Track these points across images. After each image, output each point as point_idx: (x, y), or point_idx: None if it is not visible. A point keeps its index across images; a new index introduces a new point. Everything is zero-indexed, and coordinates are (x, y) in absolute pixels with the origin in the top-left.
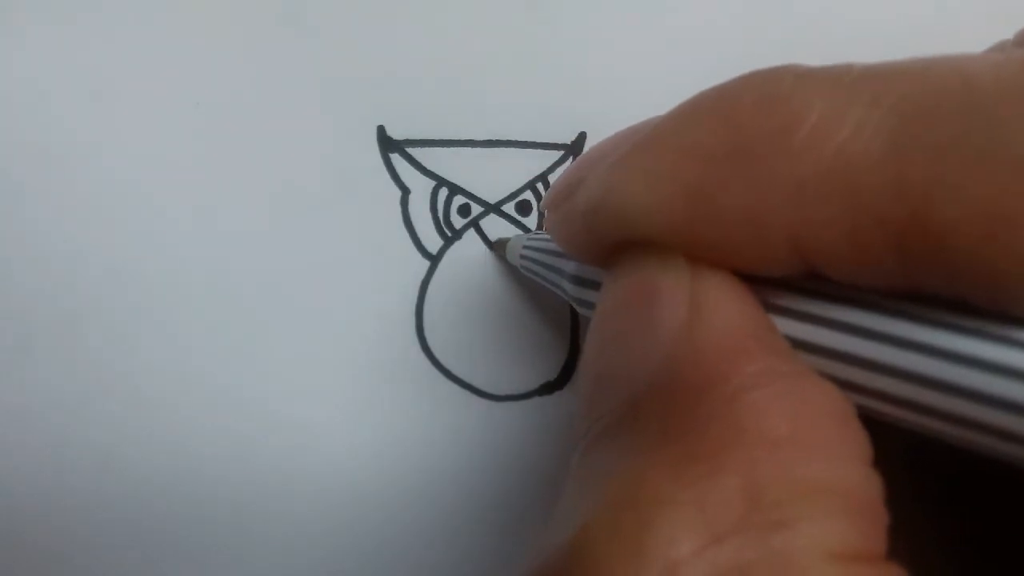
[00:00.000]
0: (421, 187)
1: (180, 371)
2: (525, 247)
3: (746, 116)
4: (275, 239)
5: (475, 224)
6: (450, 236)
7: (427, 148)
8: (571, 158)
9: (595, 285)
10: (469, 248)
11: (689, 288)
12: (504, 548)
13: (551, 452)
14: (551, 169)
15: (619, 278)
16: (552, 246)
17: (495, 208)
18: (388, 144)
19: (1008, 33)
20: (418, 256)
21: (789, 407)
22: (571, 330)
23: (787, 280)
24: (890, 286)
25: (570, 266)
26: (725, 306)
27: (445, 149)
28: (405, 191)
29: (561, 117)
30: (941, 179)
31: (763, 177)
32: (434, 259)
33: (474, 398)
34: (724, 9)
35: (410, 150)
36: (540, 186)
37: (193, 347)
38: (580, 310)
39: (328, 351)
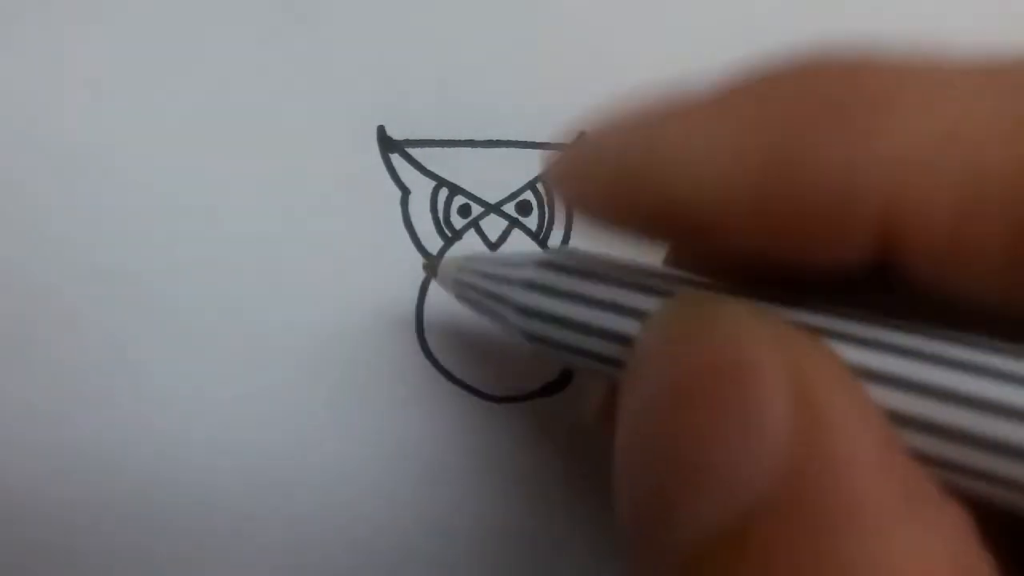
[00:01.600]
0: (421, 187)
1: (180, 370)
2: (461, 271)
3: (847, 73)
4: (275, 239)
5: (475, 224)
6: (450, 236)
7: (427, 148)
8: None
9: (546, 317)
10: (469, 249)
11: (791, 365)
12: (504, 549)
13: (551, 453)
14: None
15: (686, 335)
16: (495, 271)
17: (495, 208)
18: (388, 144)
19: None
20: (418, 256)
21: (935, 546)
22: None
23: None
24: (979, 291)
25: (517, 294)
26: (843, 403)
27: (445, 149)
28: (405, 191)
29: (561, 117)
30: None
31: (861, 143)
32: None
33: (474, 399)
34: (725, 9)
35: (410, 150)
36: (540, 186)
37: (192, 346)
38: (530, 344)
39: (328, 351)
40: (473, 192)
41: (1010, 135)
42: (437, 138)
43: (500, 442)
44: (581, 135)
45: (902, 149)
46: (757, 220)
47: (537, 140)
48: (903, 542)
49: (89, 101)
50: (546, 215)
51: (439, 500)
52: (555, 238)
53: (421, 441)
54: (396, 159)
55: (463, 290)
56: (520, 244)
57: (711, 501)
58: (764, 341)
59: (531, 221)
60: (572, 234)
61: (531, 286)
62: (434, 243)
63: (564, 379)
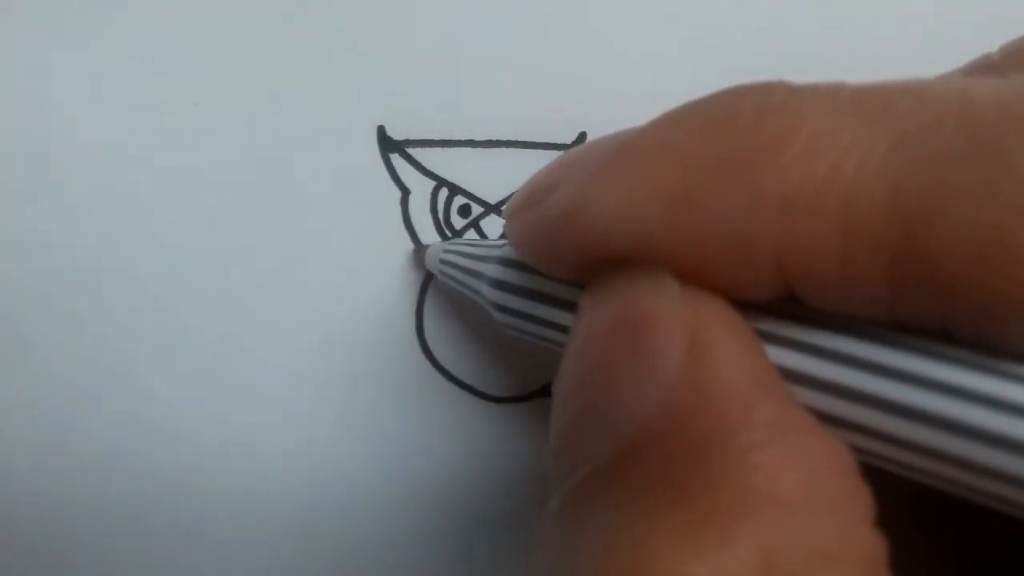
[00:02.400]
0: (421, 187)
1: (179, 371)
2: (446, 251)
3: (737, 126)
4: (275, 239)
5: (475, 224)
6: (450, 236)
7: (427, 148)
8: None
9: (516, 290)
10: None
11: (686, 318)
12: (504, 549)
13: None
14: None
15: (604, 300)
16: (473, 251)
17: (495, 208)
18: (388, 144)
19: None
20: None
21: (802, 467)
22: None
23: (767, 304)
24: (873, 313)
25: (489, 269)
26: (727, 342)
27: (445, 149)
28: (405, 191)
29: (561, 117)
30: (938, 201)
31: (752, 190)
32: None
33: (474, 399)
34: (724, 9)
35: (410, 150)
36: None
37: (192, 346)
38: (499, 317)
39: (328, 351)
40: (473, 192)
41: (876, 181)
42: (437, 138)
43: (500, 442)
44: (581, 135)
45: (788, 199)
46: (669, 264)
47: (537, 140)
48: (762, 465)
49: (88, 101)
50: None
51: (439, 499)
52: None
53: (420, 441)
54: (396, 159)
55: (446, 269)
56: None
57: (607, 431)
58: (665, 296)
59: None
60: None
61: (504, 262)
62: (465, 238)
63: None
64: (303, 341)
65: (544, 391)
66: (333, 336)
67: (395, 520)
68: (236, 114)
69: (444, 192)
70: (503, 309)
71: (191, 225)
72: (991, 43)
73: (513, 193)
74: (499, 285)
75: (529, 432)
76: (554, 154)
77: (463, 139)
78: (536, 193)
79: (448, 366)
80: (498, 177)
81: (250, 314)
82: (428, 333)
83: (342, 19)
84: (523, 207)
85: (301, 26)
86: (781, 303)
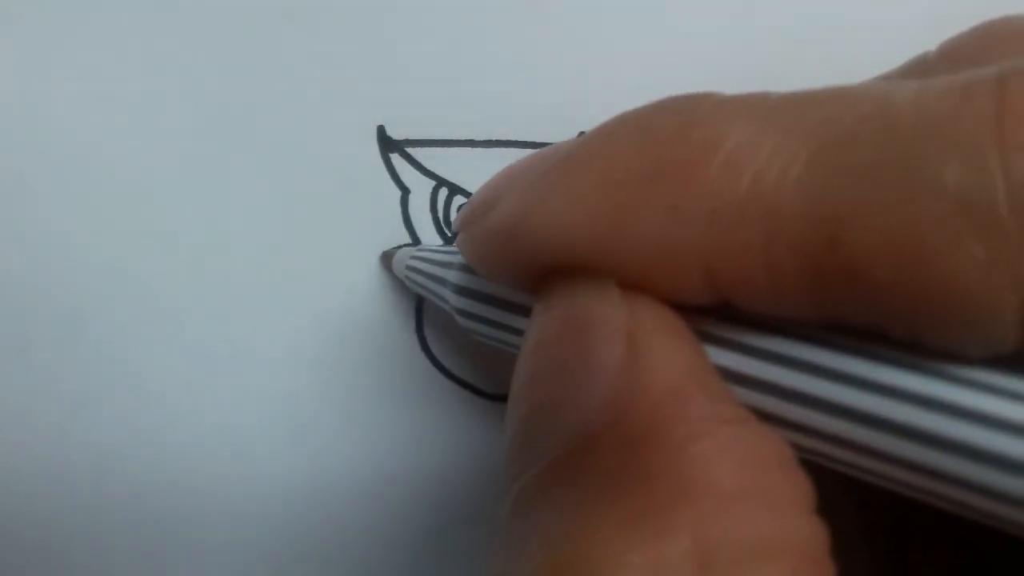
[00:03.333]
0: (421, 187)
1: (179, 371)
2: (412, 258)
3: (662, 141)
4: (275, 238)
5: None
6: (450, 236)
7: (427, 148)
8: None
9: (478, 296)
10: None
11: (626, 321)
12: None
13: None
14: None
15: (550, 307)
16: (438, 257)
17: None
18: (388, 144)
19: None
20: None
21: (736, 458)
22: None
23: (710, 308)
24: (805, 317)
25: (453, 275)
26: (664, 342)
27: (445, 149)
28: (405, 191)
29: (561, 117)
30: (857, 205)
31: (677, 203)
32: None
33: (474, 397)
34: (724, 9)
35: (410, 150)
36: None
37: (192, 346)
38: (463, 322)
39: (328, 350)
40: (473, 192)
41: (796, 189)
42: (437, 138)
43: (499, 440)
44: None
45: (712, 211)
46: (609, 271)
47: (537, 140)
48: (697, 457)
49: (88, 100)
50: None
51: (438, 498)
52: None
53: (420, 439)
54: (396, 159)
55: (412, 275)
56: None
57: (553, 433)
58: (606, 301)
59: None
60: None
61: (466, 268)
62: (434, 243)
63: None
64: (303, 340)
65: None
66: (333, 335)
67: (394, 517)
68: (236, 114)
69: (444, 192)
70: (466, 315)
71: (191, 224)
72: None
73: None
74: (462, 291)
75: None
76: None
77: (463, 139)
78: (481, 207)
79: (448, 364)
80: None
81: (250, 313)
82: (428, 331)
83: (343, 19)
84: (470, 221)
85: (302, 26)
86: (723, 307)
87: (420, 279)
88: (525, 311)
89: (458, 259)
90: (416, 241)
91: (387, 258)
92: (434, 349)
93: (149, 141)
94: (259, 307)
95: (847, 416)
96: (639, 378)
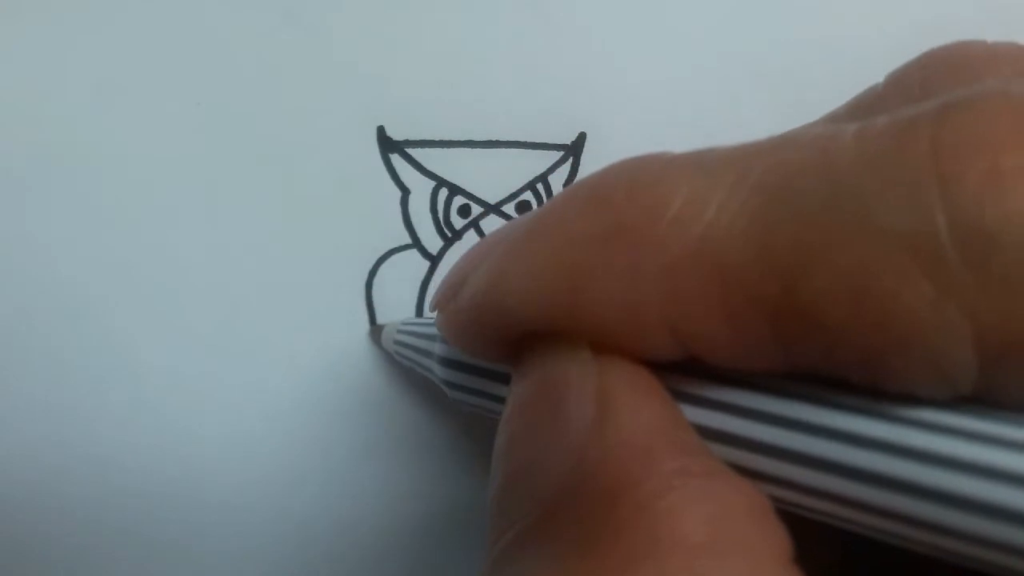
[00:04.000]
0: (421, 187)
1: (179, 371)
2: (399, 332)
3: (615, 204)
4: (275, 239)
5: (475, 225)
6: (450, 236)
7: (427, 148)
8: (571, 158)
9: (463, 367)
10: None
11: (596, 382)
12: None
13: None
14: (551, 169)
15: (525, 373)
16: (423, 330)
17: (495, 209)
18: (388, 144)
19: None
20: (418, 256)
21: (704, 510)
22: None
23: (685, 364)
24: (772, 368)
25: (438, 348)
26: (633, 401)
27: (445, 150)
28: (405, 191)
29: (561, 117)
30: (806, 252)
31: (633, 264)
32: (434, 259)
33: None
34: (724, 8)
35: (410, 150)
36: (540, 187)
37: (193, 346)
38: (450, 393)
39: (328, 351)
40: (473, 192)
41: (746, 240)
42: (437, 138)
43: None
44: (581, 135)
45: (667, 269)
46: (580, 334)
47: (537, 140)
48: (667, 511)
49: (88, 100)
50: None
51: (439, 498)
52: None
53: (420, 439)
54: (396, 159)
55: (400, 349)
56: None
57: (530, 493)
58: (577, 363)
59: None
60: None
61: (444, 362)
62: (434, 243)
63: None
64: (302, 340)
65: None
66: (333, 335)
67: (395, 517)
68: (237, 114)
69: (444, 192)
70: (453, 386)
71: (191, 224)
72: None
73: (513, 193)
74: (447, 363)
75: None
76: (554, 154)
77: (463, 139)
78: (451, 288)
79: None
80: (498, 177)
81: (249, 313)
82: None
83: (342, 19)
84: (443, 302)
85: (302, 26)
86: (695, 362)
87: (408, 352)
88: (508, 379)
89: (436, 348)
90: (417, 241)
91: (376, 333)
92: None
93: (149, 141)
94: (258, 307)
95: (816, 466)
96: (608, 436)
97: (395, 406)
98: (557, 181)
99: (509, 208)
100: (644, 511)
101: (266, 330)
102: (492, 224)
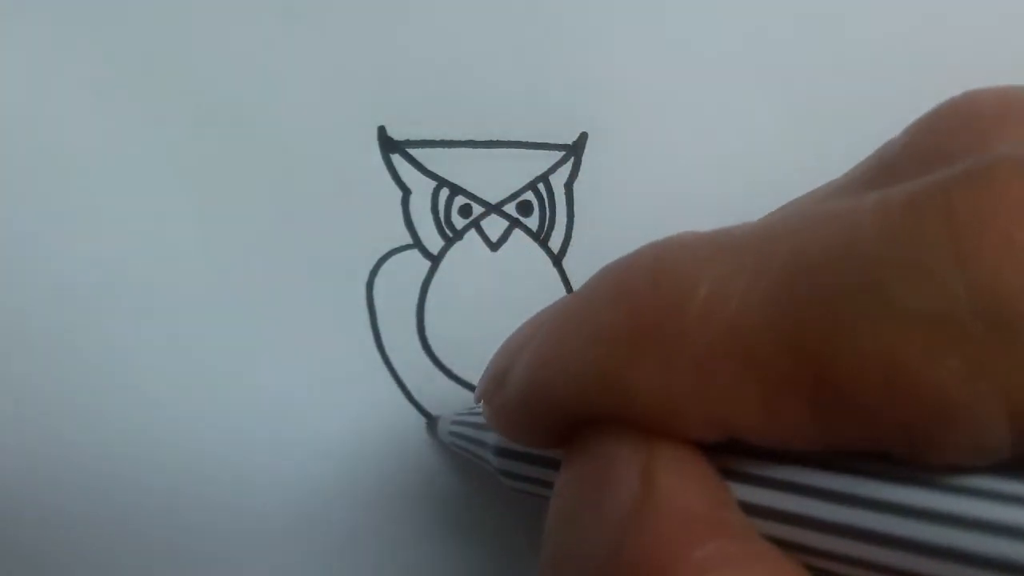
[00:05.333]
0: (422, 188)
1: (179, 371)
2: (453, 423)
3: (640, 296)
4: (275, 239)
5: (476, 224)
6: (451, 236)
7: (428, 149)
8: (572, 158)
9: (518, 456)
10: (470, 248)
11: (642, 462)
12: (504, 548)
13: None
14: (552, 169)
15: (574, 457)
16: (476, 420)
17: (496, 208)
18: (389, 145)
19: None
20: (419, 256)
21: None
22: None
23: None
24: (813, 446)
25: (492, 438)
26: (675, 482)
27: (446, 150)
28: (406, 191)
29: (562, 117)
30: (834, 336)
31: (664, 357)
32: (435, 259)
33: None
34: (724, 8)
35: (411, 151)
36: (541, 187)
37: (192, 347)
38: (505, 482)
39: (328, 351)
40: (474, 192)
41: (774, 326)
42: (438, 138)
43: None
44: (582, 135)
45: (698, 360)
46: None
47: (538, 141)
48: None
49: (87, 100)
50: (547, 215)
51: (439, 498)
52: (556, 238)
53: (421, 439)
54: (397, 159)
55: (455, 440)
56: (521, 244)
57: (574, 572)
58: (623, 445)
59: (532, 221)
60: (572, 236)
61: (498, 452)
62: (435, 243)
63: None
64: (302, 341)
65: None
66: (333, 335)
67: (395, 518)
68: (236, 114)
69: (445, 192)
70: (509, 475)
71: (190, 224)
72: (990, 38)
73: (514, 193)
74: (501, 452)
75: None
76: (555, 154)
77: (463, 139)
78: (494, 379)
79: (449, 365)
80: (499, 177)
81: (249, 313)
82: (429, 333)
83: (343, 19)
84: (488, 394)
85: (301, 26)
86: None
87: (462, 443)
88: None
89: (489, 440)
90: (417, 241)
91: (431, 427)
92: (435, 349)
93: (148, 141)
94: (258, 308)
95: (865, 538)
96: (648, 517)
97: (397, 400)
98: (558, 181)
99: (510, 208)
100: None
101: (266, 330)
102: (493, 224)
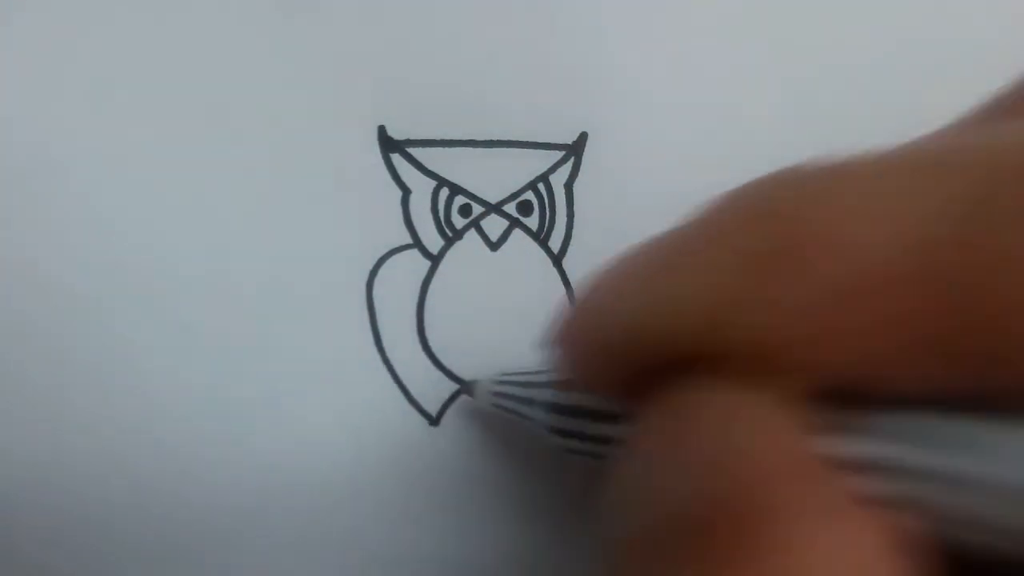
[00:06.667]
0: (422, 187)
1: (179, 371)
2: (495, 383)
3: (781, 221)
4: (275, 239)
5: (476, 224)
6: (451, 236)
7: (428, 148)
8: (572, 158)
9: (570, 411)
10: (470, 248)
11: (731, 412)
12: (503, 549)
13: (551, 453)
14: (552, 169)
15: (654, 405)
16: (522, 379)
17: (496, 208)
18: (389, 144)
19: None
20: (419, 256)
21: (836, 547)
22: None
23: (831, 392)
24: (939, 394)
25: (541, 394)
26: (768, 432)
27: (446, 149)
28: (406, 191)
29: (562, 117)
30: (994, 265)
31: (806, 286)
32: (435, 259)
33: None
34: (725, 8)
35: (411, 150)
36: (541, 186)
37: (192, 347)
38: (558, 440)
39: (328, 351)
40: (474, 192)
41: (933, 251)
42: (438, 138)
43: (500, 441)
44: (582, 135)
45: (841, 287)
46: (725, 360)
47: (538, 140)
48: (798, 548)
49: (87, 100)
50: (547, 215)
51: (439, 498)
52: (556, 238)
53: (421, 439)
54: (397, 159)
55: (499, 400)
56: (521, 244)
57: (646, 527)
58: (711, 392)
59: (532, 221)
60: (572, 236)
61: (554, 385)
62: (435, 243)
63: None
64: (302, 341)
65: None
66: (333, 335)
67: (394, 518)
68: (236, 114)
69: (445, 192)
70: (561, 432)
71: (190, 225)
72: (991, 37)
73: (514, 193)
74: (554, 408)
75: (529, 433)
76: (555, 154)
77: (463, 139)
78: (581, 317)
79: (448, 365)
80: (499, 177)
81: (249, 314)
82: (428, 333)
83: (343, 18)
84: (570, 330)
85: (301, 25)
86: (842, 390)
87: (507, 403)
88: (618, 419)
89: (544, 378)
90: (417, 241)
91: (468, 390)
92: (435, 349)
93: (147, 141)
94: (258, 307)
95: (981, 491)
96: (739, 468)
97: (397, 400)
98: (558, 181)
99: (510, 208)
100: (775, 546)
101: (266, 330)
102: (493, 224)
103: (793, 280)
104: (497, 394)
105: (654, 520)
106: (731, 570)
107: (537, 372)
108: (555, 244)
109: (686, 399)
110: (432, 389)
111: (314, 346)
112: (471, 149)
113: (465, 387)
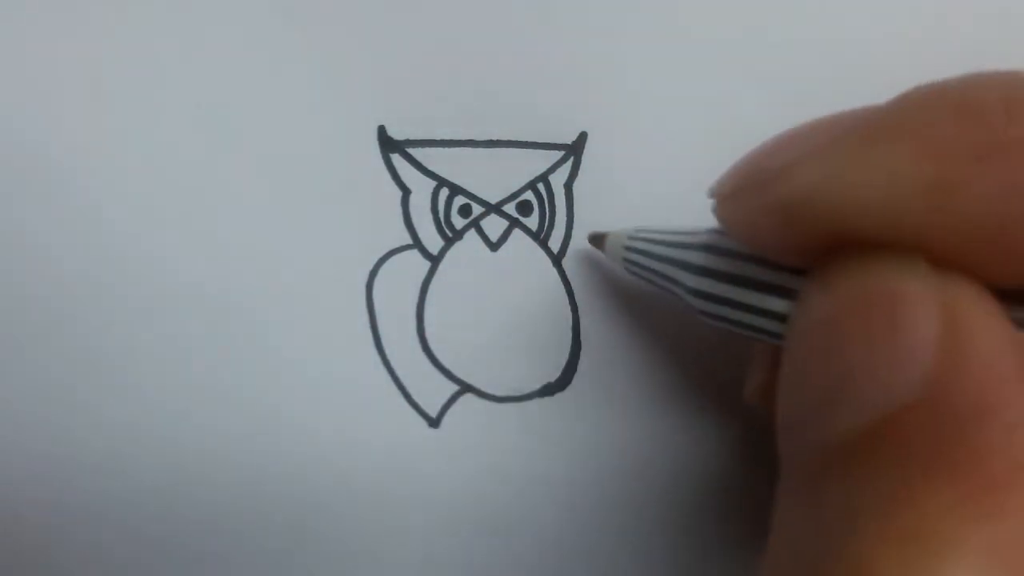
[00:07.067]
0: (422, 187)
1: (179, 372)
2: (631, 239)
3: (990, 116)
4: (275, 239)
5: (476, 224)
6: (451, 236)
7: (428, 148)
8: (572, 158)
9: (721, 276)
10: (470, 248)
11: (941, 299)
12: (503, 549)
13: (551, 453)
14: (552, 169)
15: (840, 282)
16: (668, 238)
17: (496, 208)
18: (389, 144)
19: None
20: (419, 256)
21: None
22: (572, 331)
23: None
24: None
25: (692, 256)
26: (984, 323)
27: (446, 149)
28: (406, 191)
29: (562, 117)
30: None
31: (1008, 184)
32: (435, 259)
33: (474, 398)
34: (725, 8)
35: (411, 150)
36: (541, 186)
37: (192, 347)
38: (698, 303)
39: (328, 351)
40: (474, 192)
41: None
42: (438, 138)
43: (500, 442)
44: (582, 135)
45: None
46: (918, 248)
47: (538, 140)
48: None
49: (87, 101)
50: (547, 215)
51: (438, 499)
52: (555, 238)
53: (421, 440)
54: (397, 159)
55: (631, 267)
56: (520, 244)
57: (854, 407)
58: (918, 277)
59: (532, 221)
60: (572, 236)
61: (701, 271)
62: (435, 243)
63: (564, 379)
64: (302, 341)
65: (545, 391)
66: (333, 335)
67: (394, 519)
68: (236, 114)
69: (445, 192)
70: (706, 296)
71: (190, 225)
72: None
73: (513, 193)
74: (703, 272)
75: (529, 432)
76: (555, 154)
77: (464, 139)
78: (758, 175)
79: (448, 365)
80: (499, 177)
81: (250, 314)
82: (428, 333)
83: (343, 18)
84: (744, 190)
85: (301, 26)
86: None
87: (644, 260)
88: (773, 290)
89: (694, 240)
90: (417, 241)
91: (596, 241)
92: (434, 349)
93: (148, 142)
94: (258, 308)
95: None
96: (960, 356)
97: (397, 400)
98: (558, 181)
99: (510, 208)
100: (1006, 439)
101: (266, 330)
102: (493, 224)
103: (1003, 174)
104: (631, 249)
105: (846, 411)
106: (956, 466)
107: (684, 232)
108: (555, 244)
109: (876, 283)
110: (432, 390)
111: (314, 346)
112: (471, 149)
113: (594, 238)
